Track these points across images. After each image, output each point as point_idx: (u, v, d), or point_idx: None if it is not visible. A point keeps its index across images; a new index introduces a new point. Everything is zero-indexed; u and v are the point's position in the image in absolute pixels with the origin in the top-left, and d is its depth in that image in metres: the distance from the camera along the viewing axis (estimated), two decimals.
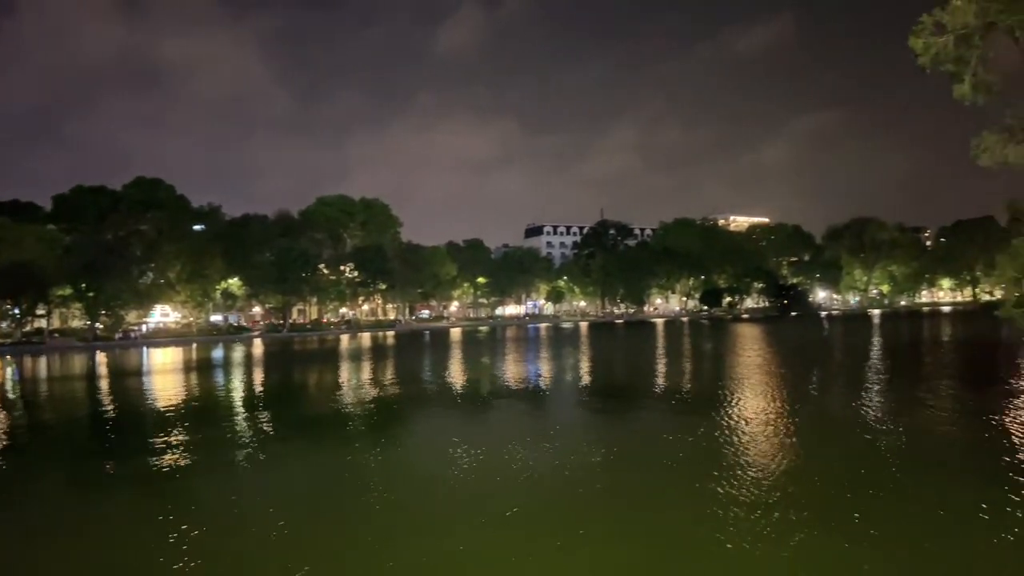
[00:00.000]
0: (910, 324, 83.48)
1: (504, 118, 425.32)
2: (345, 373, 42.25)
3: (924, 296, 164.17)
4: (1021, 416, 20.30)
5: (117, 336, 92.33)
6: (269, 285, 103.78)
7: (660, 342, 64.02)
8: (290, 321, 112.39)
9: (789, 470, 15.23)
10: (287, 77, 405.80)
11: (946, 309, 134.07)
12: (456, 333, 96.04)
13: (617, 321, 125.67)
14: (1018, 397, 23.74)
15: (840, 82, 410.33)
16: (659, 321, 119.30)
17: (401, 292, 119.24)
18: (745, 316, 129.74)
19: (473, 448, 18.33)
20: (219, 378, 42.46)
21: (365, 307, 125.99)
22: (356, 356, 56.92)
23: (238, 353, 65.71)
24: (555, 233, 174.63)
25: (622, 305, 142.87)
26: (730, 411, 22.78)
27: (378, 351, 63.36)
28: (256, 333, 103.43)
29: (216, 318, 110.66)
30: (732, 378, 32.53)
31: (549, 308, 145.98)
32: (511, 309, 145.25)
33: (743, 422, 20.79)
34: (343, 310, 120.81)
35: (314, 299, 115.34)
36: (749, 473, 14.90)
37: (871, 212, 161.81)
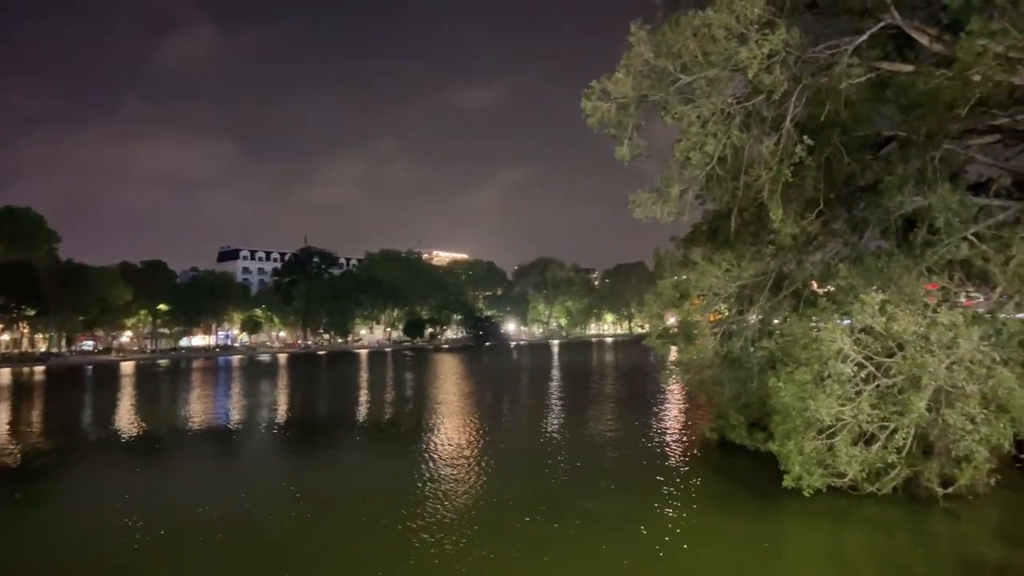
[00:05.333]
0: (582, 352, 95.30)
1: (222, 138, 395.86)
2: None
3: (593, 328, 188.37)
4: (662, 434, 23.99)
5: None
6: None
7: (364, 374, 63.29)
8: None
9: (477, 495, 15.75)
10: None
11: (609, 340, 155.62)
12: (128, 367, 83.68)
13: (320, 352, 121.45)
14: (662, 415, 28.16)
15: (538, 142, 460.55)
16: (363, 352, 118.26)
17: (57, 319, 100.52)
18: (445, 346, 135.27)
19: (145, 510, 15.65)
20: None
21: (6, 337, 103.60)
22: None
23: None
24: (253, 258, 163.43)
25: (325, 336, 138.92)
26: (426, 443, 23.07)
27: (19, 391, 52.05)
28: None
29: None
30: (431, 409, 33.34)
31: (244, 338, 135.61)
32: (199, 340, 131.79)
33: (437, 453, 21.15)
34: None
35: None
36: (439, 504, 15.04)
37: (552, 254, 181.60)
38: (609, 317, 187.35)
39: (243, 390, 47.97)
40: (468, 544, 12.40)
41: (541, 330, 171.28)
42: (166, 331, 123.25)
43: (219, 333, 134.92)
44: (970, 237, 15.62)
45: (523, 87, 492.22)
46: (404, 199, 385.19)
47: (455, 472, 18.40)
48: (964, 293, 16.54)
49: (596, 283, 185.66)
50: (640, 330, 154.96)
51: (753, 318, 20.01)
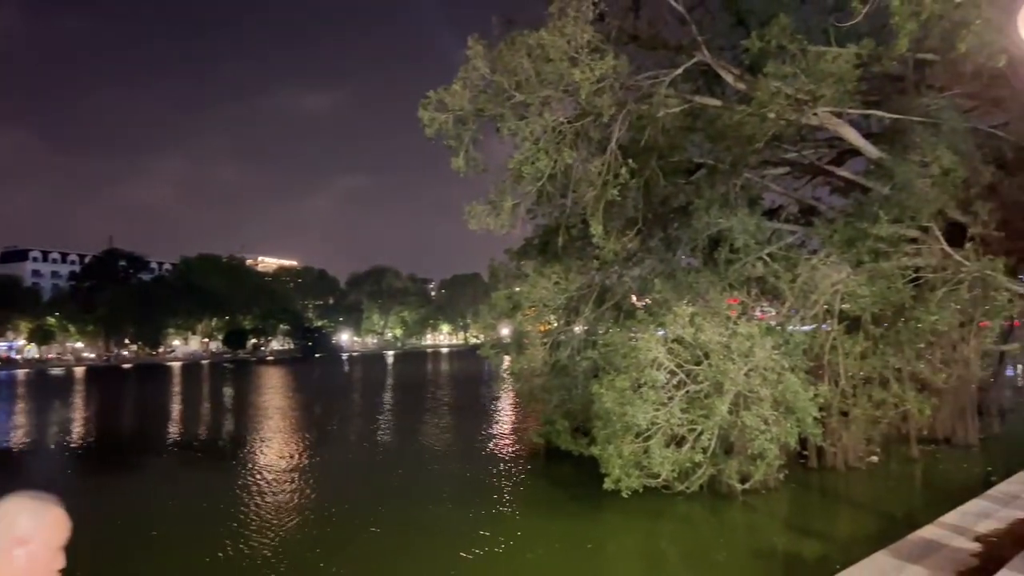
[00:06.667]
0: (417, 363, 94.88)
1: (20, 129, 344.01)
2: None
3: (429, 339, 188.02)
4: (494, 442, 24.42)
5: None
6: None
7: (177, 389, 58.24)
8: None
9: (314, 514, 15.00)
10: None
11: (445, 350, 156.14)
12: None
13: (125, 366, 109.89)
14: (495, 424, 28.61)
15: (377, 151, 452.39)
16: (177, 365, 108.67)
17: None
18: (271, 358, 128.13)
19: None
20: None
21: None
22: None
23: None
24: (46, 260, 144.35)
25: (132, 347, 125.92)
26: (253, 463, 21.66)
27: None
28: None
29: None
30: (255, 427, 31.38)
31: (32, 350, 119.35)
32: None
33: (267, 473, 19.90)
34: None
35: None
36: (274, 525, 14.12)
37: (389, 263, 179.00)
38: (445, 327, 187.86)
39: (28, 409, 42.18)
40: (313, 562, 11.77)
41: (375, 340, 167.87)
42: None
43: (1, 344, 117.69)
44: (764, 257, 17.52)
45: (363, 95, 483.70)
46: (229, 202, 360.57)
47: (288, 491, 17.40)
48: (759, 307, 18.52)
49: (433, 293, 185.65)
50: (475, 340, 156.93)
51: (579, 329, 20.96)
